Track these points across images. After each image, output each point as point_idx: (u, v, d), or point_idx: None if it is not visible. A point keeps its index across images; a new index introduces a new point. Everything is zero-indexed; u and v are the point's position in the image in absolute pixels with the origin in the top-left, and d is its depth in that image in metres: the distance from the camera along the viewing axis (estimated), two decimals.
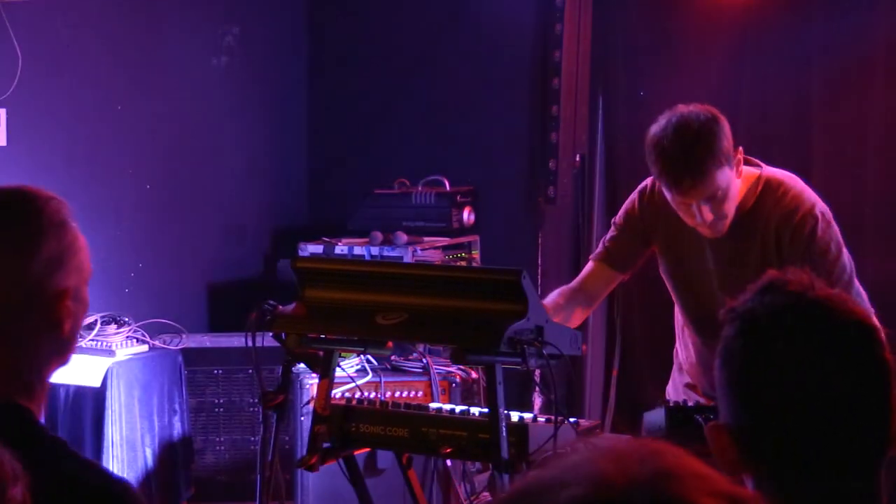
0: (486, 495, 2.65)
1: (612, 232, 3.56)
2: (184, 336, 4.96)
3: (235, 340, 4.89)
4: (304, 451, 3.03)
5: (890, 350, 1.51)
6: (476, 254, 5.22)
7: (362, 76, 5.92)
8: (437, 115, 5.73)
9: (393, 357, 4.33)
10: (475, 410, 2.89)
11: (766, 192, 3.30)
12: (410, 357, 4.39)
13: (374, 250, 4.88)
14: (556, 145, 5.35)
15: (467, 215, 5.23)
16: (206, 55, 5.57)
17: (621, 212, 3.55)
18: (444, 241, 5.10)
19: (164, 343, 4.92)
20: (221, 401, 5.03)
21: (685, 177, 3.10)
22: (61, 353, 1.91)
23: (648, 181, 3.44)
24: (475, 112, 5.64)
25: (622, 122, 5.36)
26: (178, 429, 4.88)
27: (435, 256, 4.95)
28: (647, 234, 3.46)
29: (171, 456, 4.84)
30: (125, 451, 4.60)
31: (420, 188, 5.30)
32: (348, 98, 5.95)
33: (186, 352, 4.95)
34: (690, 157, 3.09)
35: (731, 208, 3.20)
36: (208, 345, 5.04)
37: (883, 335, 1.51)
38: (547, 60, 5.39)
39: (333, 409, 2.96)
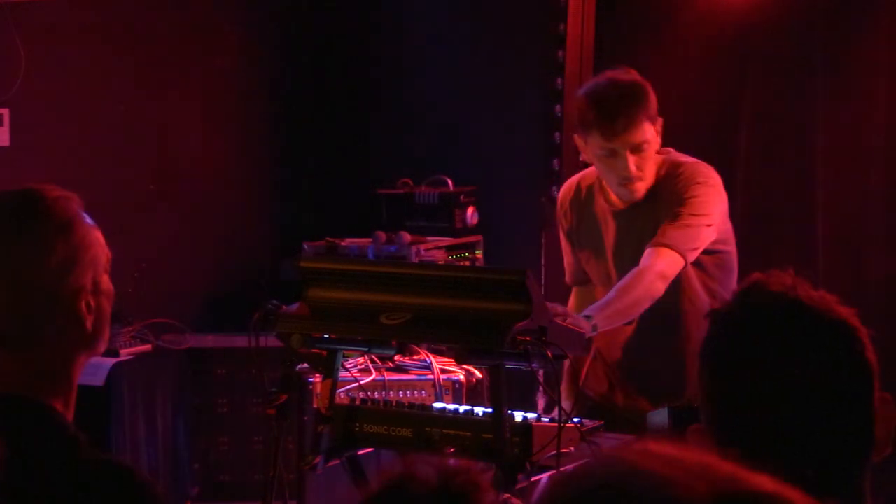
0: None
1: (564, 255, 3.78)
2: (187, 336, 4.96)
3: (239, 340, 4.89)
4: (308, 451, 3.03)
5: (873, 350, 1.49)
6: (479, 254, 5.21)
7: (366, 75, 5.92)
8: (440, 114, 5.73)
9: (397, 357, 4.33)
10: (479, 410, 2.89)
11: (668, 175, 3.49)
12: (414, 357, 4.39)
13: (378, 250, 4.87)
14: (559, 145, 5.34)
15: (471, 215, 5.23)
16: (209, 55, 5.57)
17: (560, 231, 3.79)
18: (448, 240, 5.09)
19: (168, 343, 4.92)
20: (225, 400, 5.03)
21: (619, 117, 3.37)
22: (90, 347, 1.94)
23: (561, 189, 3.77)
24: (478, 112, 5.64)
25: None
26: (181, 429, 4.88)
27: (438, 256, 4.95)
28: (571, 233, 3.69)
29: (175, 456, 4.85)
30: (129, 450, 4.60)
31: (423, 188, 5.30)
32: (352, 97, 5.95)
33: (190, 352, 4.95)
34: (624, 102, 3.38)
35: (650, 170, 3.44)
36: (212, 345, 5.04)
37: (865, 335, 1.49)
38: (550, 60, 5.38)
39: (337, 409, 2.96)
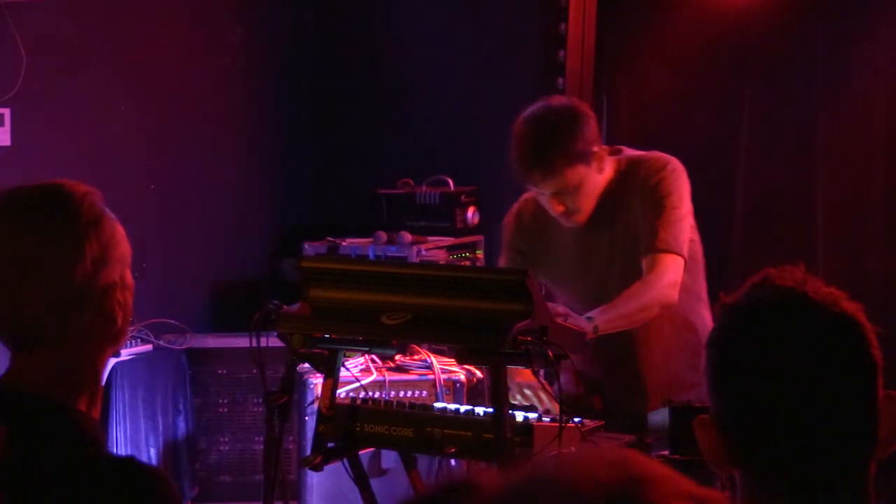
0: None
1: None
2: (188, 336, 4.96)
3: (240, 340, 4.89)
4: (309, 451, 3.03)
5: (879, 347, 1.49)
6: (480, 254, 5.21)
7: (366, 75, 5.92)
8: (441, 114, 5.73)
9: (398, 357, 4.33)
10: (480, 410, 2.89)
11: (628, 171, 3.44)
12: (415, 356, 4.39)
13: (379, 250, 4.87)
14: None
15: (471, 215, 5.23)
16: (211, 54, 5.58)
17: (503, 250, 3.66)
18: (449, 240, 5.09)
19: (169, 343, 4.92)
20: (225, 401, 5.03)
21: (535, 170, 3.31)
22: (116, 342, 1.93)
23: (514, 207, 3.63)
24: (479, 111, 5.64)
25: (625, 122, 5.36)
26: (181, 429, 4.88)
27: (439, 256, 4.95)
28: (532, 252, 3.58)
29: (175, 456, 4.84)
30: (129, 450, 4.60)
31: (424, 188, 5.30)
32: (352, 97, 5.95)
33: (191, 352, 4.95)
34: (541, 154, 3.30)
35: (585, 203, 3.38)
36: (212, 345, 5.04)
37: (871, 331, 1.49)
38: (550, 59, 5.38)
39: (338, 408, 2.96)
